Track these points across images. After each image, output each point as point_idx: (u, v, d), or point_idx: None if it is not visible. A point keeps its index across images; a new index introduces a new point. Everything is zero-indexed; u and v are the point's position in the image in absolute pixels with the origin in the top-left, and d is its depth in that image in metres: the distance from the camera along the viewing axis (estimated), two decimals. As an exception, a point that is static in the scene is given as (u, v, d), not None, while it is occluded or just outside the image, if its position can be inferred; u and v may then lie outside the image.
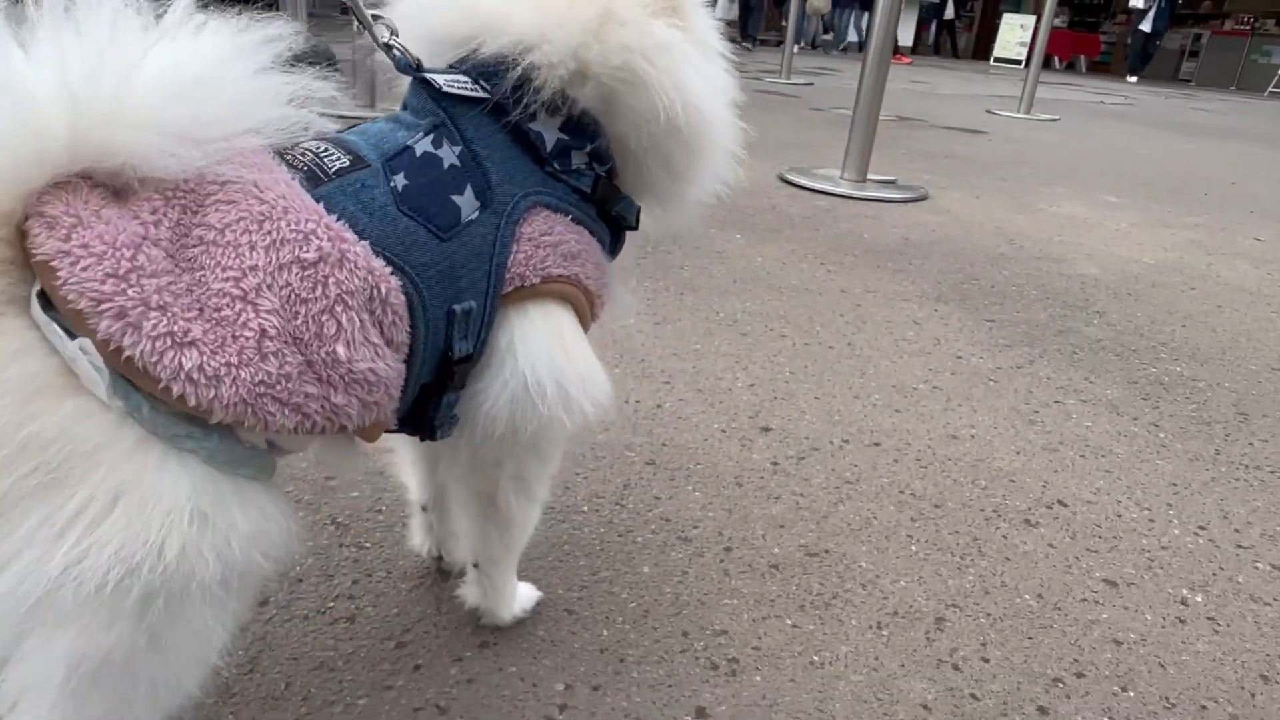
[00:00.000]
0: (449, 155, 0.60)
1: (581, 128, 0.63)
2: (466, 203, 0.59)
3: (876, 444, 1.18)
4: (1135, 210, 2.98)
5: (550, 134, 0.62)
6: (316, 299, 0.49)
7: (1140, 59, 10.43)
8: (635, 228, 0.71)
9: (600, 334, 1.59)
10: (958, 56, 18.43)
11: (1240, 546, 1.01)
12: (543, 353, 0.62)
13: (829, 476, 1.09)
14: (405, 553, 0.88)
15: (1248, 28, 16.22)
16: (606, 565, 0.89)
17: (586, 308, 0.66)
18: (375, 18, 0.64)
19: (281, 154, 0.54)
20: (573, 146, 0.63)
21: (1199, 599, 0.91)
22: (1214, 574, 0.96)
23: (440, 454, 0.76)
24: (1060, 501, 1.07)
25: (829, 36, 14.25)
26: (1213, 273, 2.24)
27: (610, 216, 0.68)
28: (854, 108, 2.88)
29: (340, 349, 0.50)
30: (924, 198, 2.86)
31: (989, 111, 5.94)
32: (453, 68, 0.63)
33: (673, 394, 1.28)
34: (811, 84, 6.69)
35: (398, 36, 0.63)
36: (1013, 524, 1.02)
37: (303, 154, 0.56)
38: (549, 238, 0.61)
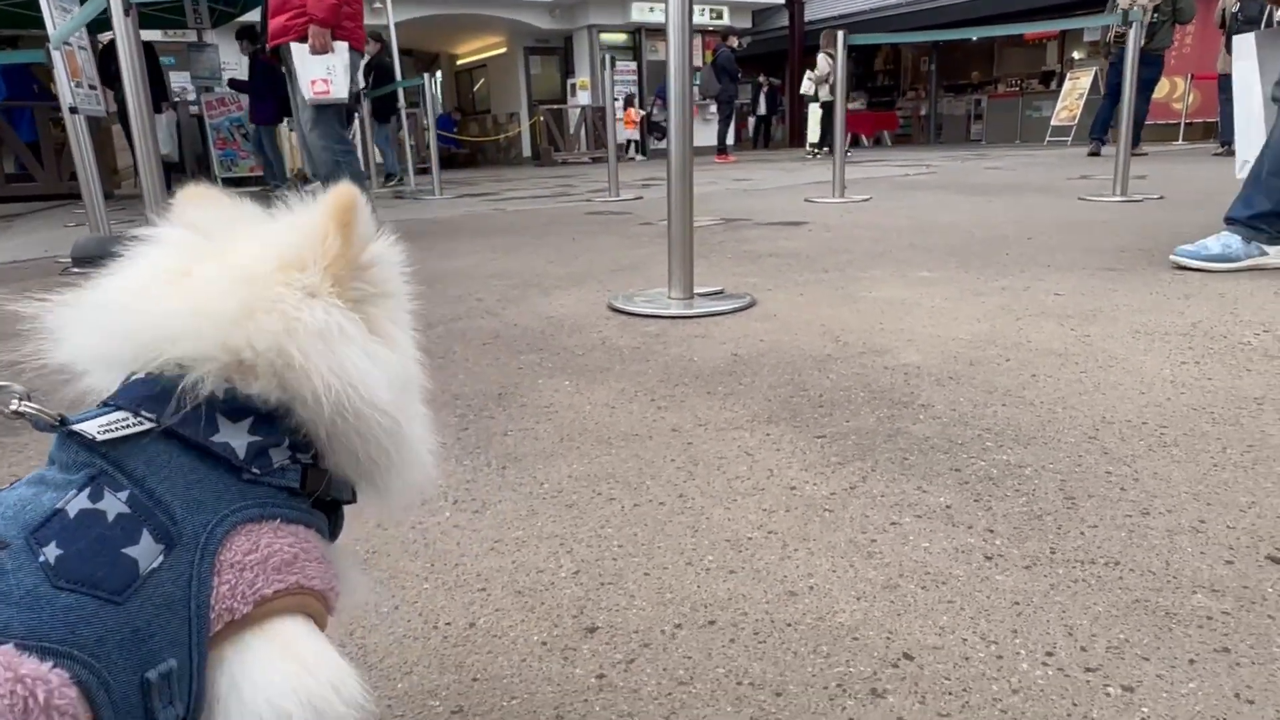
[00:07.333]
0: (114, 505, 0.51)
1: (274, 422, 0.57)
2: (144, 551, 0.50)
3: (711, 622, 1.08)
4: (948, 283, 3.13)
5: (239, 440, 0.55)
6: None
7: (1103, 126, 9.33)
8: (353, 501, 0.65)
9: (411, 535, 1.42)
10: (769, 148, 19.79)
11: (1089, 670, 0.96)
12: (278, 678, 0.53)
13: (660, 680, 0.98)
14: None
15: (1017, 89, 18.32)
16: None
17: (320, 607, 0.58)
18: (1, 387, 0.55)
19: None
20: (269, 445, 0.57)
21: (1058, 751, 0.84)
22: (1067, 714, 0.89)
23: None
24: (906, 655, 1.00)
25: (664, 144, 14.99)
26: (1023, 338, 2.33)
27: (324, 502, 0.61)
28: (668, 226, 2.93)
29: None
30: (752, 305, 2.90)
31: (807, 200, 6.28)
32: (111, 401, 0.56)
33: (488, 604, 1.15)
34: (640, 198, 6.92)
35: (30, 400, 0.55)
36: (859, 699, 0.93)
37: None
38: (254, 555, 0.54)
